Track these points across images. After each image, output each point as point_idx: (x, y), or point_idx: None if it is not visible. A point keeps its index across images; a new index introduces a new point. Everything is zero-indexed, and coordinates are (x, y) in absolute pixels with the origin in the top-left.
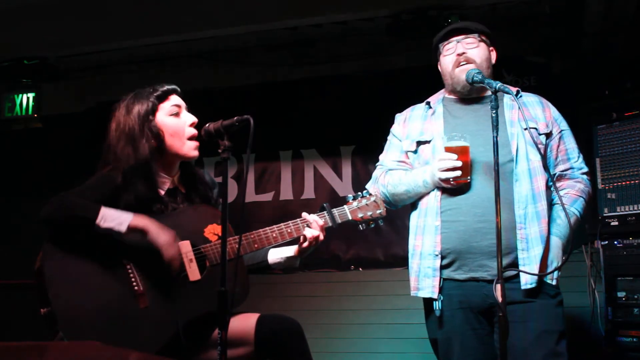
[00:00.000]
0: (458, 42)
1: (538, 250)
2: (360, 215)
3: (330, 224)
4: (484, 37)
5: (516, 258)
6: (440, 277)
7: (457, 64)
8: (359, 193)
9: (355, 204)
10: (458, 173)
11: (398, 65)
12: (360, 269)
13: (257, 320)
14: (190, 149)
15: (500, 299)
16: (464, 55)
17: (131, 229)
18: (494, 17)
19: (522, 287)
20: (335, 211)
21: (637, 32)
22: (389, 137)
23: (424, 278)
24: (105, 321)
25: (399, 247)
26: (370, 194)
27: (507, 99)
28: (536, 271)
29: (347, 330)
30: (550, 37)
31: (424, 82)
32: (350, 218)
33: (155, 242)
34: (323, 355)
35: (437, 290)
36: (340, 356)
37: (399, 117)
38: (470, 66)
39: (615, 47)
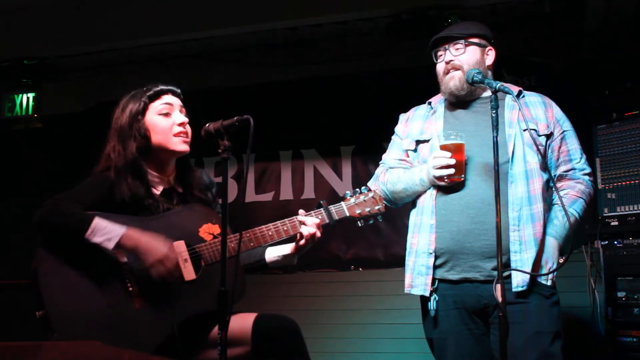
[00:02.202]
0: (446, 49)
1: (531, 253)
2: (358, 211)
3: (327, 221)
4: (474, 40)
5: (509, 260)
6: (434, 277)
7: (446, 72)
8: (357, 189)
9: (352, 200)
10: (452, 171)
11: (398, 65)
12: (360, 269)
13: (255, 319)
14: (176, 143)
15: (500, 299)
16: (451, 63)
17: (119, 246)
18: (494, 17)
19: (513, 290)
20: (332, 208)
21: (637, 32)
22: (393, 136)
23: (417, 276)
24: (100, 322)
25: (399, 247)
26: (368, 190)
27: (508, 99)
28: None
29: (346, 330)
30: (550, 37)
31: (424, 82)
32: (347, 214)
33: (144, 262)
34: (322, 355)
35: (429, 288)
36: (339, 356)
37: (402, 117)
38: (457, 73)
39: (615, 47)
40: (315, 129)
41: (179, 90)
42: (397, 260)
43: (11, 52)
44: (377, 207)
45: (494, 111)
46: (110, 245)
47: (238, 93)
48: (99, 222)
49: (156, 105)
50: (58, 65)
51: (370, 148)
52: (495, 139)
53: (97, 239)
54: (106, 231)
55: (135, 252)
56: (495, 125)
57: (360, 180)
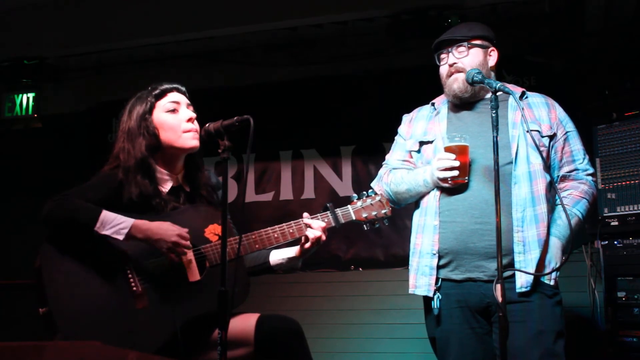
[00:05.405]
0: (449, 51)
1: (535, 254)
2: (364, 215)
3: (333, 225)
4: (476, 42)
5: (512, 260)
6: (437, 277)
7: (449, 75)
8: (364, 192)
9: (359, 203)
10: (455, 173)
11: (398, 65)
12: (360, 269)
13: (257, 320)
14: (185, 139)
15: (500, 299)
16: (454, 65)
17: (130, 237)
18: (494, 17)
19: (517, 291)
20: (338, 211)
21: (637, 32)
22: (396, 137)
23: (421, 276)
24: (103, 321)
25: (399, 247)
26: (375, 194)
27: (512, 100)
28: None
29: (346, 330)
30: (550, 37)
31: (424, 82)
32: (354, 218)
33: (160, 248)
34: (323, 355)
35: (432, 288)
36: (340, 356)
37: (406, 117)
38: (460, 75)
39: (615, 47)
40: (315, 129)
41: (184, 88)
42: (397, 260)
43: (11, 52)
44: (383, 211)
45: (494, 111)
46: (121, 236)
47: (238, 93)
48: (107, 215)
49: (163, 103)
50: (58, 65)
51: (370, 148)
52: (495, 139)
53: (107, 231)
54: (115, 222)
55: (148, 240)
56: (496, 125)
57: (360, 180)
